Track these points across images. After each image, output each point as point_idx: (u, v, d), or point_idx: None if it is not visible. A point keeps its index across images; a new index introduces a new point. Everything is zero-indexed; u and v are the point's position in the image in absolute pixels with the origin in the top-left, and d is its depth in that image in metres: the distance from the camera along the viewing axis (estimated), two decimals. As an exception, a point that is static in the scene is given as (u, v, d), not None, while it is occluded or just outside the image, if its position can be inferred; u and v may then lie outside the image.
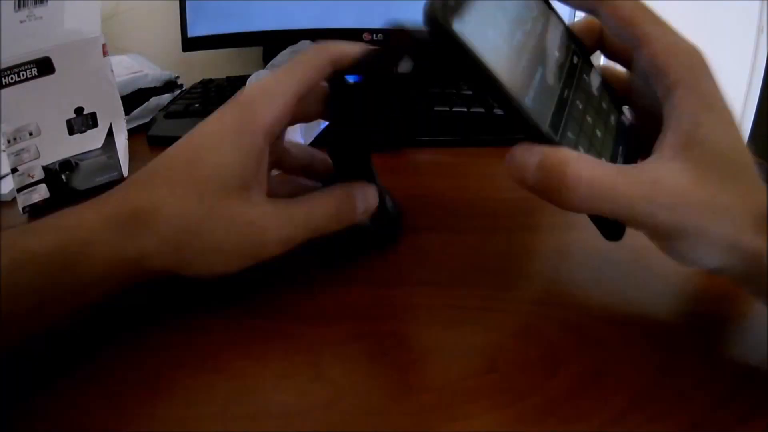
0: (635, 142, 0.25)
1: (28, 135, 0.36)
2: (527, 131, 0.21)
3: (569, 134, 0.22)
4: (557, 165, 0.20)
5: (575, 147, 0.22)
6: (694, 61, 0.21)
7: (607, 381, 0.22)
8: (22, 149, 0.36)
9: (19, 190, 0.36)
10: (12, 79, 0.34)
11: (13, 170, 0.36)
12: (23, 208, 0.36)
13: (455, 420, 0.20)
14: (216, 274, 0.25)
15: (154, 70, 0.60)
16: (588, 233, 0.35)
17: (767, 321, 0.22)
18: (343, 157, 0.29)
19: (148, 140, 0.51)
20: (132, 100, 0.55)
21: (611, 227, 0.23)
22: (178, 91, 0.63)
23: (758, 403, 0.21)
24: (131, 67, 0.58)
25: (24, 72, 0.35)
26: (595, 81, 0.26)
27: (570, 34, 0.26)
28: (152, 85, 0.58)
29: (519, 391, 0.21)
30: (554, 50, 0.24)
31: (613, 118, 0.25)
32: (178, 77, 0.64)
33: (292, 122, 0.28)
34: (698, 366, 0.23)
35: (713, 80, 0.21)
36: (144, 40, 0.76)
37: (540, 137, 0.21)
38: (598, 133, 0.24)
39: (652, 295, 0.28)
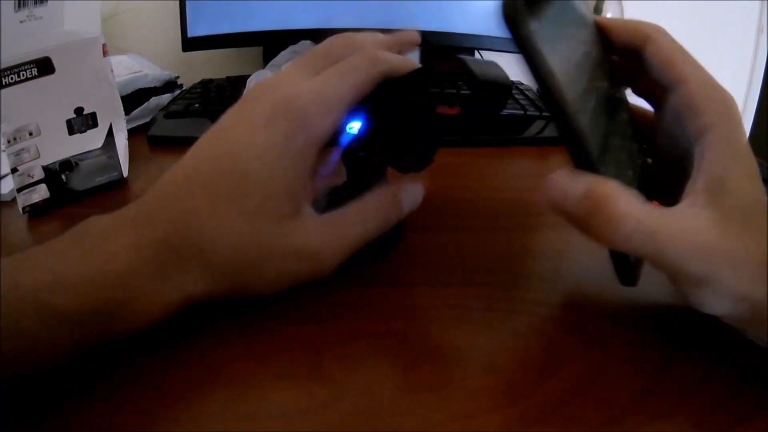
0: (652, 183, 0.25)
1: (28, 135, 0.36)
2: (577, 154, 0.21)
3: (609, 168, 0.22)
4: (605, 198, 0.19)
5: None
6: (728, 108, 0.22)
7: (607, 381, 0.22)
8: (22, 149, 0.36)
9: (19, 190, 0.36)
10: (12, 79, 0.34)
11: (13, 170, 0.36)
12: (23, 208, 0.36)
13: (455, 420, 0.20)
14: (264, 295, 0.25)
15: (154, 70, 0.60)
16: (588, 233, 0.35)
17: (767, 321, 0.22)
18: (361, 167, 0.28)
19: (148, 140, 0.51)
20: (132, 100, 0.55)
21: (630, 270, 0.23)
22: (178, 91, 0.63)
23: (758, 403, 0.21)
24: (131, 67, 0.58)
25: (24, 72, 0.35)
26: (626, 117, 0.26)
27: (612, 64, 0.26)
28: (152, 85, 0.58)
29: (519, 391, 0.21)
30: (602, 78, 0.24)
31: (638, 158, 0.25)
32: (178, 77, 0.64)
33: None
34: (698, 366, 0.23)
35: (742, 128, 0.22)
36: (144, 40, 0.76)
37: (587, 164, 0.21)
38: (630, 172, 0.24)
39: (652, 295, 0.28)
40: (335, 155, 0.27)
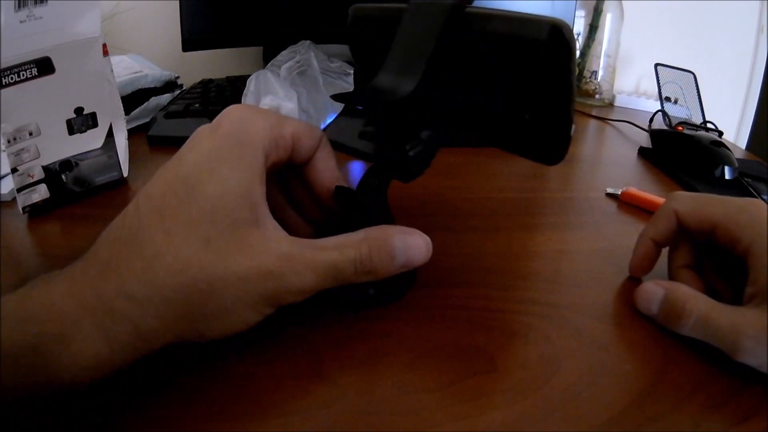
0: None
1: (28, 135, 0.36)
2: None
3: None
4: (678, 300, 0.25)
5: None
6: (757, 222, 0.25)
7: (607, 381, 0.22)
8: (22, 149, 0.36)
9: (19, 190, 0.36)
10: (12, 79, 0.34)
11: (13, 170, 0.36)
12: (23, 208, 0.36)
13: (455, 420, 0.20)
14: (228, 335, 0.21)
15: (154, 70, 0.60)
16: (588, 233, 0.35)
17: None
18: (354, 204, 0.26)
19: (148, 140, 0.51)
20: (132, 100, 0.55)
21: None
22: (178, 91, 0.63)
23: (758, 403, 0.21)
24: (131, 67, 0.58)
25: (24, 72, 0.35)
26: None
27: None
28: (152, 85, 0.58)
29: (519, 391, 0.21)
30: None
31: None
32: (178, 77, 0.64)
33: (292, 160, 0.25)
34: (698, 366, 0.23)
35: None
36: (144, 40, 0.76)
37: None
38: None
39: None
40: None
